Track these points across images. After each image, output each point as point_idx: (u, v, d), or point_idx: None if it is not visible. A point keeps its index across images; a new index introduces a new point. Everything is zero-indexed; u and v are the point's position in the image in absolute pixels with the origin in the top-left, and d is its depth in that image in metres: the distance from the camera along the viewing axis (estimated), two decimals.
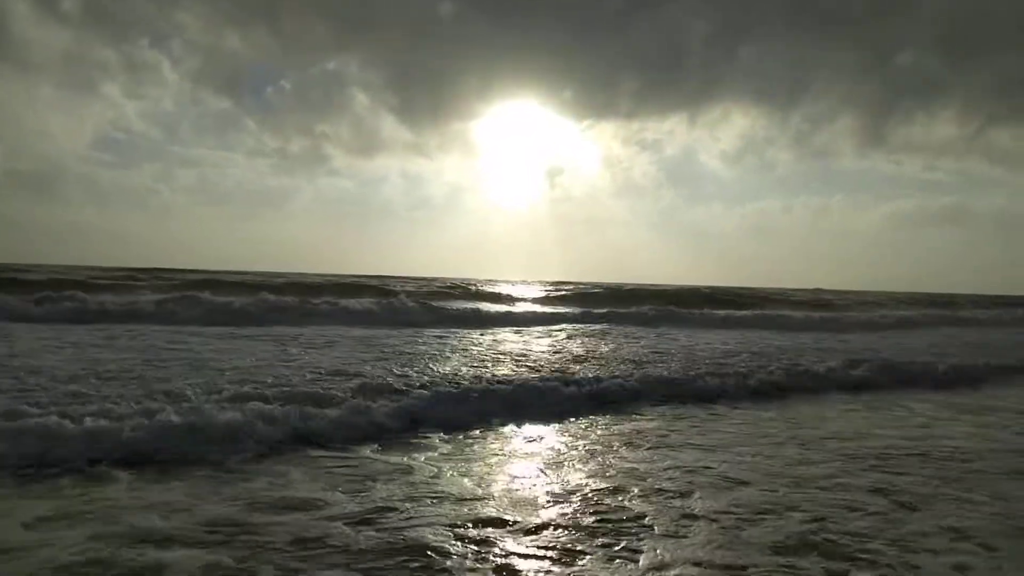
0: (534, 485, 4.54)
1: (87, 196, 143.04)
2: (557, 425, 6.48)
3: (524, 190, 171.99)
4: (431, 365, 8.87)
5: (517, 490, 4.43)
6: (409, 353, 10.18)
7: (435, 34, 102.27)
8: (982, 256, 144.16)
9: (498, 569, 3.23)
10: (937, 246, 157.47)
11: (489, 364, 9.43)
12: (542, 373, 8.64)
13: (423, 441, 5.61)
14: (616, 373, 8.87)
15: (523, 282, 52.24)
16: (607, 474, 4.81)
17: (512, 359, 10.17)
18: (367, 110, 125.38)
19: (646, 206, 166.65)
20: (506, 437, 5.96)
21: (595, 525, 3.81)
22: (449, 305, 21.80)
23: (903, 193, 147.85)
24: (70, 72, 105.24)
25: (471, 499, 4.17)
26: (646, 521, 3.88)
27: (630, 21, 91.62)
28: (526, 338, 13.92)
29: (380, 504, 4.01)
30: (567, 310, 23.68)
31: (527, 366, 9.42)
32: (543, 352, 11.39)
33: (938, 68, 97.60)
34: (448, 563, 3.25)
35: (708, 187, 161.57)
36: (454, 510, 3.96)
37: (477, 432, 6.00)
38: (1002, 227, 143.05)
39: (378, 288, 31.91)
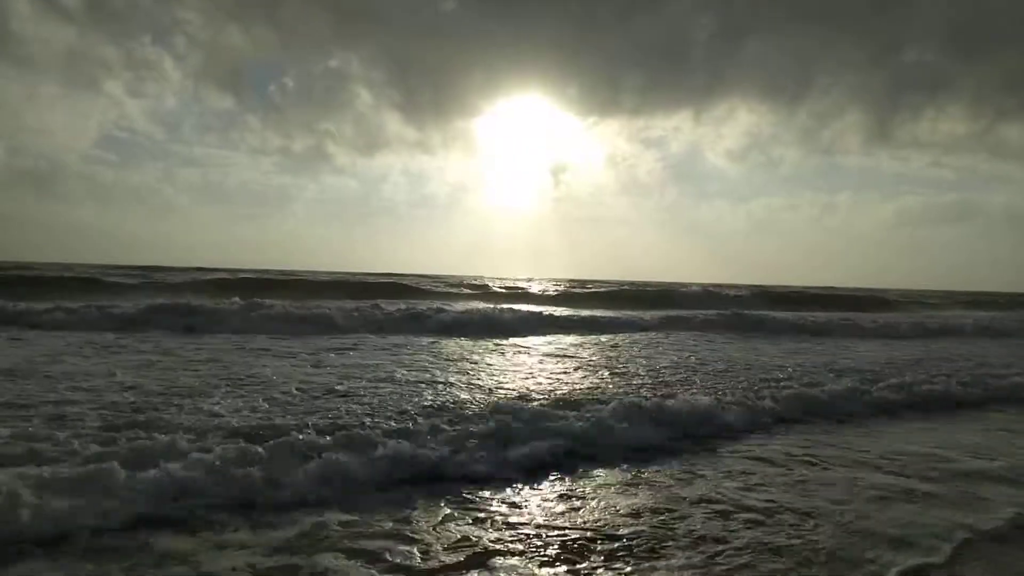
0: None
1: (90, 195, 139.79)
2: None
3: (528, 187, 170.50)
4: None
5: None
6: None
7: (438, 30, 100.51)
8: (991, 253, 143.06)
9: None
10: (945, 243, 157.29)
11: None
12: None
13: None
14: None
15: (577, 281, 50.69)
16: None
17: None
18: (370, 107, 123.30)
19: (650, 204, 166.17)
20: None
21: None
22: (540, 310, 20.32)
23: (910, 190, 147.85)
24: (73, 70, 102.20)
25: None
26: None
27: (635, 16, 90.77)
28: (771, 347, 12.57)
29: None
30: (639, 314, 22.38)
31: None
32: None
33: (946, 63, 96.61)
34: None
35: (713, 184, 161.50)
36: None
37: None
38: (1012, 223, 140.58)
39: (429, 290, 30.34)
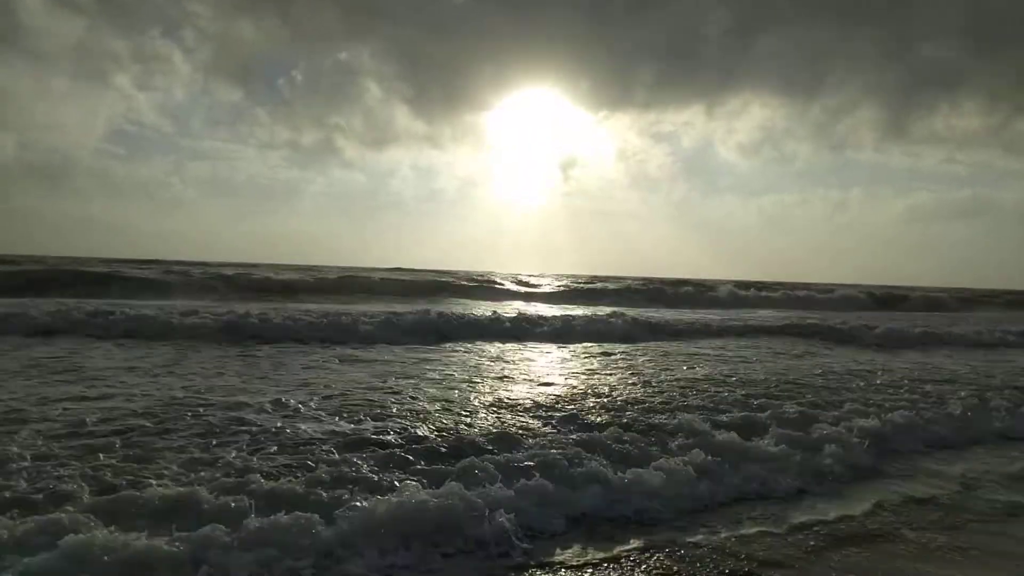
0: None
1: (100, 189, 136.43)
2: None
3: (538, 182, 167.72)
4: None
5: None
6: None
7: (448, 23, 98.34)
8: (1003, 250, 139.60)
9: None
10: (957, 240, 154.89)
11: None
12: None
13: None
14: None
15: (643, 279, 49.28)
16: None
17: None
18: (379, 101, 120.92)
19: (661, 198, 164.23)
20: None
21: None
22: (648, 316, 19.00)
23: (923, 186, 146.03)
24: (82, 63, 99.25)
25: None
26: None
27: (648, 10, 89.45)
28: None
29: None
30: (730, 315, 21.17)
31: None
32: None
33: (962, 59, 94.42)
34: None
35: (724, 179, 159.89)
36: None
37: None
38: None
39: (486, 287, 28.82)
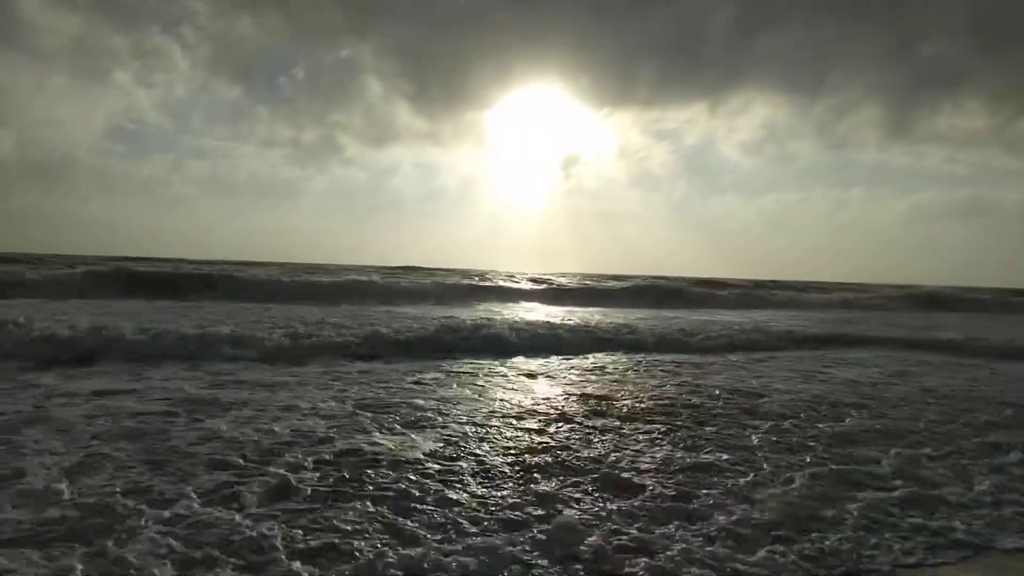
0: None
1: (99, 188, 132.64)
2: None
3: (539, 180, 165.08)
4: None
5: None
6: None
7: (451, 20, 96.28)
8: (1004, 249, 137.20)
9: None
10: (957, 240, 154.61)
11: None
12: None
13: None
14: None
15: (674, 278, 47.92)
16: None
17: None
18: (380, 98, 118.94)
19: (662, 197, 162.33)
20: None
21: None
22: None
23: (924, 186, 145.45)
24: (81, 60, 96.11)
25: None
26: None
27: (652, 6, 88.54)
28: None
29: None
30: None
31: None
32: None
33: (966, 58, 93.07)
34: None
35: (726, 178, 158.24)
36: None
37: None
38: None
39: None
